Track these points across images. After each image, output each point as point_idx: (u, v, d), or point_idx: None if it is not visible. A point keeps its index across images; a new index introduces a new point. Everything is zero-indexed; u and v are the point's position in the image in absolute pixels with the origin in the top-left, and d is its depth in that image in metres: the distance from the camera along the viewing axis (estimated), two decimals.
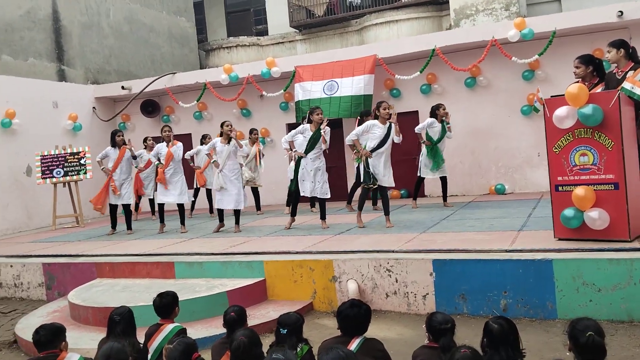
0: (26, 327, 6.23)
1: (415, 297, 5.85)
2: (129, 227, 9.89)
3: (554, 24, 9.97)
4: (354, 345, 3.54)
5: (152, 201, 12.15)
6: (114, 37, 15.25)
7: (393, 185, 8.26)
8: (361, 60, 11.09)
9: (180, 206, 9.42)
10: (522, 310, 5.40)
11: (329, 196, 8.38)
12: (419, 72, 10.85)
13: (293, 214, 8.70)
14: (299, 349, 3.72)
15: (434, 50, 10.63)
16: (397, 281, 5.92)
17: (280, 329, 3.70)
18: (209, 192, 11.64)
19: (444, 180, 9.82)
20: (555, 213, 5.78)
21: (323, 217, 8.41)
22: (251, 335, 3.39)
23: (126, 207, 9.88)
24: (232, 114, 13.15)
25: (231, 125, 8.67)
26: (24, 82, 12.20)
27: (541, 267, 5.35)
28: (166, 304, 4.29)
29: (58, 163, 11.63)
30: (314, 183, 8.25)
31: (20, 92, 11.98)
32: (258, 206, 11.31)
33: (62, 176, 11.62)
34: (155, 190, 10.56)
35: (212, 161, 8.73)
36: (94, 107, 13.81)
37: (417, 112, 11.47)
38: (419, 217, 8.73)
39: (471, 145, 11.31)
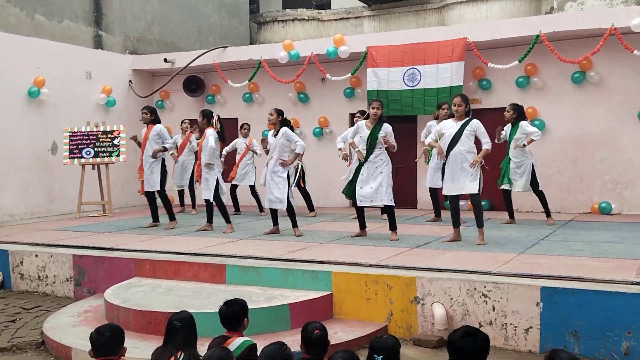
0: (55, 328, 6.35)
1: (515, 330, 5.69)
2: (154, 218, 10.22)
3: None
4: None
5: (190, 193, 12.34)
6: (158, 1, 15.50)
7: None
8: (448, 44, 10.92)
9: (219, 202, 9.40)
10: None
11: (392, 203, 8.19)
12: (517, 61, 10.61)
13: (362, 226, 8.63)
14: None
15: (537, 36, 10.38)
16: (494, 309, 5.77)
17: (375, 355, 3.64)
18: (252, 189, 11.71)
19: (506, 193, 9.69)
20: None
21: (393, 228, 8.30)
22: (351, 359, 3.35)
23: (148, 195, 10.12)
24: (287, 99, 13.17)
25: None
26: (56, 47, 12.51)
27: None
28: (233, 314, 4.28)
29: (89, 142, 11.87)
30: (373, 188, 8.09)
31: (51, 58, 12.28)
32: (310, 207, 11.29)
33: (92, 157, 11.86)
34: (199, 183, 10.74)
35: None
36: (130, 81, 14.06)
37: None
38: (510, 234, 8.55)
39: (573, 153, 11.02)
